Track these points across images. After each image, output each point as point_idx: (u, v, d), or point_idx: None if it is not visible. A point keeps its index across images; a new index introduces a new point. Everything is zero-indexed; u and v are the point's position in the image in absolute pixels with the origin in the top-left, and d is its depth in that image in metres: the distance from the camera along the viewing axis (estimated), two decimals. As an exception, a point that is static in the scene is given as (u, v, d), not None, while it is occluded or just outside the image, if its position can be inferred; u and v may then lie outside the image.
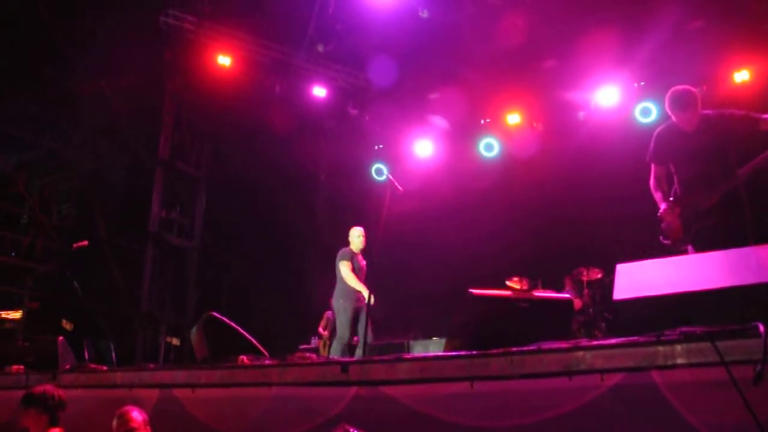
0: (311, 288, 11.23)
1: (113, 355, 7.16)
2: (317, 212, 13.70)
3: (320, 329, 10.54)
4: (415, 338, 9.86)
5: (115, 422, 3.40)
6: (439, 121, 11.75)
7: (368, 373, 3.24)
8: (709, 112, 4.55)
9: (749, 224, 4.38)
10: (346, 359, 3.68)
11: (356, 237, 7.35)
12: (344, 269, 7.10)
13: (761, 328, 2.35)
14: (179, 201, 12.36)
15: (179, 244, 12.24)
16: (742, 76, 9.75)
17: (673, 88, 4.63)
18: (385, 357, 3.40)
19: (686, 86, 4.63)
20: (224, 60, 10.94)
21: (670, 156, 4.69)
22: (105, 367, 5.23)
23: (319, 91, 11.55)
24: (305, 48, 10.89)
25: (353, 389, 3.24)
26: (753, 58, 9.65)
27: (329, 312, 9.64)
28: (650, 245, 4.88)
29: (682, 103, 4.51)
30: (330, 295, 7.41)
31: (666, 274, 3.05)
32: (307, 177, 13.57)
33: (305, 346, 10.63)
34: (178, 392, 4.11)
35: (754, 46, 9.51)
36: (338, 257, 7.29)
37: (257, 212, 12.93)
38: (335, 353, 6.87)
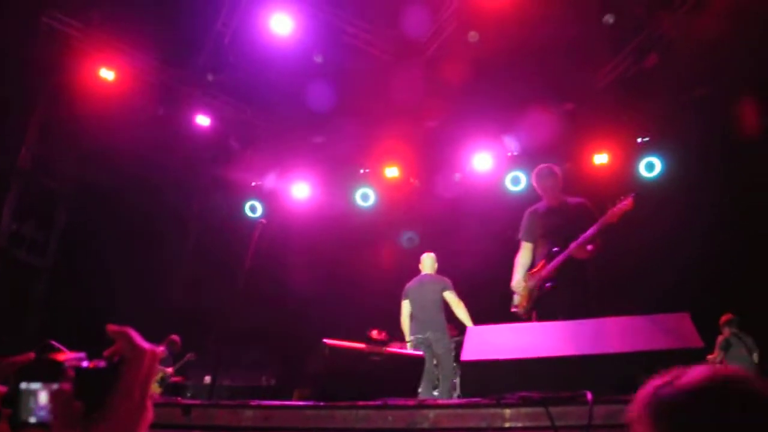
0: (174, 313, 10.81)
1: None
2: (187, 242, 13.27)
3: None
4: (268, 383, 9.66)
5: None
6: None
7: (212, 418, 3.13)
8: (571, 198, 5.17)
9: (587, 293, 4.83)
10: (189, 401, 3.52)
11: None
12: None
13: (589, 396, 2.51)
14: (35, 215, 11.55)
15: (29, 261, 11.37)
16: (601, 158, 10.56)
17: (539, 166, 5.28)
18: (231, 402, 3.30)
19: (549, 164, 5.31)
20: (107, 74, 10.45)
21: (534, 234, 5.20)
22: None
23: (203, 120, 11.31)
24: (195, 74, 10.68)
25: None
26: (611, 144, 10.50)
27: (175, 336, 9.28)
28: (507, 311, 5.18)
29: (542, 175, 5.18)
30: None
31: (512, 339, 3.19)
32: (181, 205, 13.15)
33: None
34: None
35: (613, 134, 10.36)
36: (449, 286, 7.36)
37: (125, 233, 12.32)
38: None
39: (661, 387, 1.18)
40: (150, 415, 1.04)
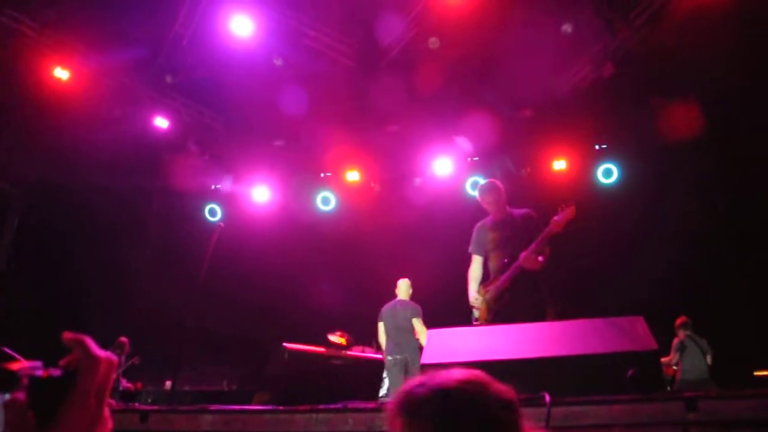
0: (132, 317, 10.62)
1: None
2: (145, 246, 13.05)
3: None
4: (229, 387, 9.57)
5: None
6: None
7: (171, 423, 3.09)
8: (516, 210, 5.37)
9: (543, 301, 4.97)
10: (147, 407, 3.47)
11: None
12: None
13: (547, 397, 2.55)
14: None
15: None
16: (560, 164, 10.73)
17: (481, 183, 5.62)
18: (190, 407, 3.26)
19: (491, 179, 5.64)
20: (62, 73, 10.22)
21: (484, 247, 5.35)
22: None
23: (162, 122, 11.15)
24: (153, 76, 10.52)
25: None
26: (569, 150, 10.69)
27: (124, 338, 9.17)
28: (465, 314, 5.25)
29: (485, 191, 5.41)
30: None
31: (471, 342, 3.23)
32: (139, 207, 12.94)
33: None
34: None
35: (571, 140, 10.55)
36: (418, 313, 7.96)
37: (81, 235, 12.06)
38: None
39: (416, 387, 1.26)
40: (109, 424, 1.02)
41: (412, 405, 1.22)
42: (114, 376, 1.05)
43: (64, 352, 1.03)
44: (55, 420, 0.95)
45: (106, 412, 1.02)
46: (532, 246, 4.94)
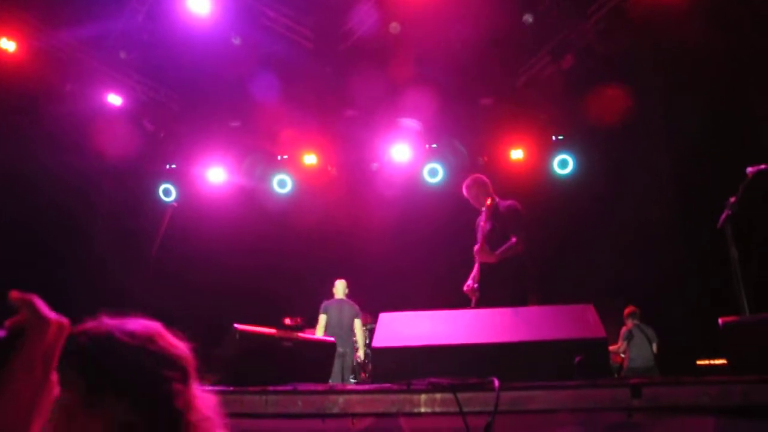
0: (80, 300, 10.39)
1: None
2: (95, 226, 12.74)
3: None
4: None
5: None
6: None
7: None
8: (502, 201, 5.47)
9: (522, 290, 5.13)
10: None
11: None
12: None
13: (496, 382, 2.58)
14: None
15: None
16: (517, 153, 10.84)
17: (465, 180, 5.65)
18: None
19: (473, 175, 5.74)
20: (8, 44, 9.86)
21: (477, 236, 5.42)
22: None
23: (115, 99, 10.85)
24: (107, 52, 10.24)
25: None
26: (527, 140, 10.80)
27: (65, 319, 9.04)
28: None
29: (468, 186, 5.55)
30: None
31: (423, 327, 3.25)
32: (90, 186, 12.59)
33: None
34: None
35: (529, 130, 10.66)
36: (359, 314, 9.11)
37: (26, 215, 11.72)
38: None
39: (80, 333, 1.20)
40: (55, 391, 0.98)
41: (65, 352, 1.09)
42: (63, 340, 1.01)
43: (11, 314, 0.98)
44: None
45: (53, 378, 0.98)
46: (480, 239, 5.13)
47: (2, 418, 0.89)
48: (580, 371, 2.85)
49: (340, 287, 9.22)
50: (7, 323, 0.95)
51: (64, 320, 1.01)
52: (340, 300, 9.14)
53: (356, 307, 9.15)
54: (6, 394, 0.90)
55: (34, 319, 0.95)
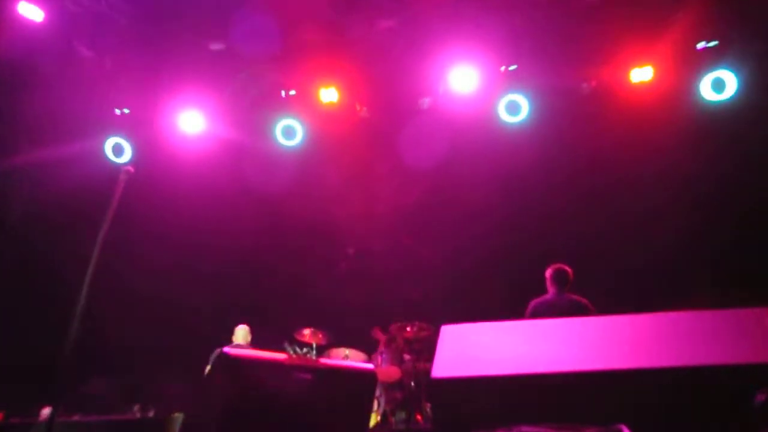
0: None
1: None
2: (15, 200, 12.95)
3: None
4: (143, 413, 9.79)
5: None
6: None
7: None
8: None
9: None
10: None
11: None
12: None
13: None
14: None
15: None
16: (642, 73, 10.56)
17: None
18: None
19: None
20: None
21: None
22: None
23: (33, 12, 10.83)
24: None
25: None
26: (658, 52, 10.48)
27: None
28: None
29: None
30: None
31: (508, 345, 3.17)
32: (7, 142, 12.74)
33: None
34: None
35: (660, 37, 10.35)
36: None
37: None
38: None
39: None
40: None
41: None
42: None
43: None
44: None
45: None
46: None
47: None
48: (763, 415, 2.74)
49: (240, 334, 10.10)
50: None
51: None
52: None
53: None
54: None
55: None
